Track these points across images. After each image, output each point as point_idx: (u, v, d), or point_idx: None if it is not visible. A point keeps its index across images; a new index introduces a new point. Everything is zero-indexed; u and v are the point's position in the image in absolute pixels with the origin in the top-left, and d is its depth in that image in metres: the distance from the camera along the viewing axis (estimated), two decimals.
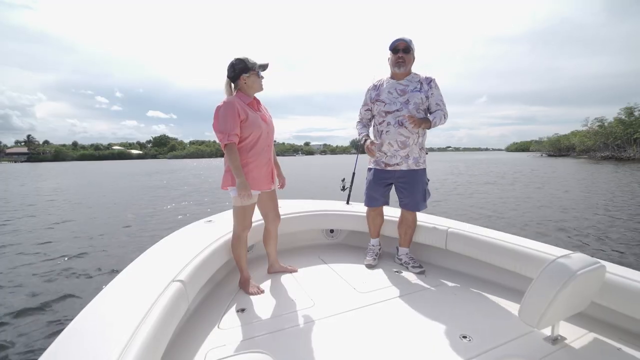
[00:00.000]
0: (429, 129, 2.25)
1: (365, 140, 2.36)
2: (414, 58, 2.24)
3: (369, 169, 2.45)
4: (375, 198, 2.43)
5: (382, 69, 2.42)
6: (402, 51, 2.18)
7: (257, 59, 2.00)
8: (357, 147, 2.67)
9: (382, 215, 2.53)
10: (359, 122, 2.46)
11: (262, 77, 2.04)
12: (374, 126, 2.41)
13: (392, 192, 2.47)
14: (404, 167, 2.30)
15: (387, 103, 2.26)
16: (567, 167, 24.09)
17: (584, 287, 1.35)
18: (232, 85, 2.02)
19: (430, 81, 2.24)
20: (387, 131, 2.26)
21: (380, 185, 2.39)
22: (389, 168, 2.33)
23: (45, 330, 2.93)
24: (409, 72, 2.28)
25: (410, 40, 2.18)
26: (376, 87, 2.35)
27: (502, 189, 12.38)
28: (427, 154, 2.38)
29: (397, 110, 2.22)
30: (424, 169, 2.35)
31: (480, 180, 16.05)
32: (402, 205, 2.39)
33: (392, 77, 2.30)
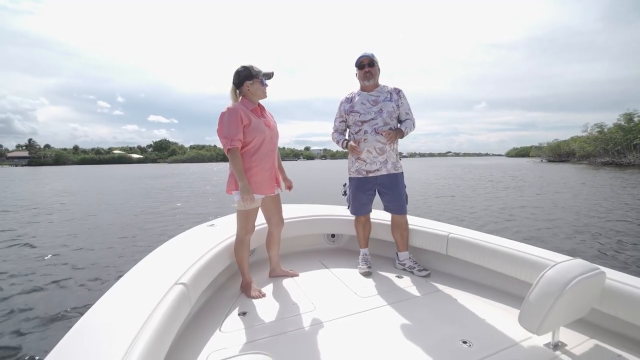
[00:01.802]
0: (401, 138, 2.40)
1: (347, 142, 2.45)
2: (379, 69, 2.39)
3: (351, 179, 2.51)
4: (362, 204, 2.48)
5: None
6: (367, 65, 2.33)
7: (262, 67, 2.06)
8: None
9: (370, 221, 2.57)
10: (334, 132, 2.55)
11: (266, 85, 2.08)
12: (349, 135, 2.51)
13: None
14: (383, 172, 2.39)
15: (361, 113, 2.36)
16: (568, 173, 24.10)
17: (583, 293, 1.36)
18: (237, 91, 2.06)
19: (398, 91, 2.41)
20: (364, 139, 2.34)
21: (365, 192, 2.45)
22: (370, 175, 2.40)
23: (49, 332, 2.93)
24: (378, 84, 2.42)
25: (372, 54, 2.34)
26: (349, 100, 2.44)
27: (502, 194, 12.39)
28: (400, 159, 2.49)
29: (372, 119, 2.33)
30: (402, 173, 2.47)
31: (481, 185, 16.06)
32: (390, 210, 2.45)
33: (363, 89, 2.42)
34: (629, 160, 37.54)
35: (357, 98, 2.40)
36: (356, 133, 2.40)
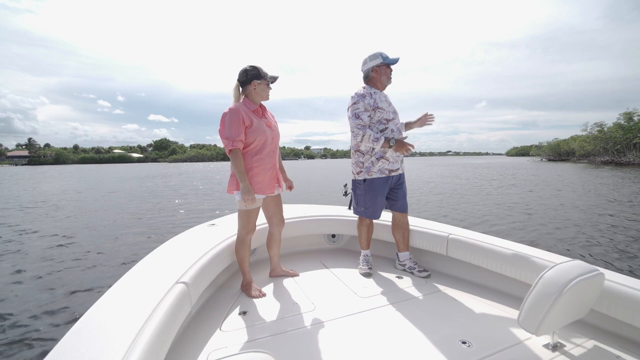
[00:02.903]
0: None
1: (392, 139, 2.27)
2: None
3: (370, 180, 2.35)
4: (379, 208, 2.41)
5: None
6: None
7: (268, 70, 2.08)
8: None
9: (373, 223, 2.57)
10: (363, 126, 2.26)
11: (271, 88, 2.11)
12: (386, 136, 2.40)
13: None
14: (401, 171, 2.43)
15: (386, 111, 2.34)
16: (567, 172, 24.09)
17: (582, 294, 1.36)
18: (241, 89, 2.08)
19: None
20: (392, 137, 2.33)
21: (384, 193, 2.40)
22: (392, 174, 2.39)
23: (51, 330, 2.94)
24: None
25: None
26: (371, 95, 2.32)
27: (502, 194, 12.39)
28: None
29: (394, 119, 2.36)
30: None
31: (480, 185, 16.06)
32: (397, 208, 2.45)
33: (377, 88, 2.40)
34: (628, 159, 37.56)
35: (375, 95, 2.33)
36: (382, 131, 2.31)
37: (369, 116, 2.30)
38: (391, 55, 2.35)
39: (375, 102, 2.29)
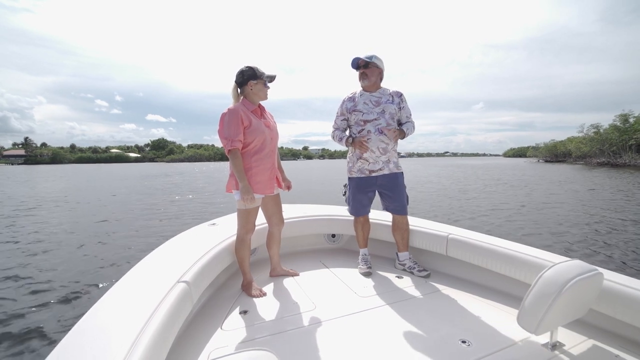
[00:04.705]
0: (402, 138, 2.43)
1: (352, 138, 2.44)
2: (378, 70, 2.39)
3: (351, 179, 2.52)
4: (362, 205, 2.50)
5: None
6: (362, 67, 2.37)
7: (265, 69, 2.08)
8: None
9: (369, 222, 2.59)
10: (336, 129, 2.53)
11: (268, 87, 2.11)
12: (351, 135, 2.50)
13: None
14: (386, 171, 2.42)
15: (364, 112, 2.37)
16: (564, 173, 24.22)
17: (581, 293, 1.37)
18: (239, 90, 2.08)
19: (400, 95, 2.44)
20: (368, 139, 2.35)
21: (366, 192, 2.46)
22: (373, 174, 2.42)
23: (52, 330, 2.93)
24: (379, 86, 2.44)
25: (372, 56, 2.35)
26: (352, 99, 2.45)
27: (501, 194, 12.45)
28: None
29: (375, 119, 2.35)
30: (403, 173, 2.50)
31: (479, 185, 16.13)
32: (391, 210, 2.46)
33: (365, 90, 2.44)
34: (624, 160, 37.75)
35: (359, 98, 2.42)
36: (359, 132, 2.40)
37: (344, 119, 2.50)
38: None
39: (354, 105, 2.39)
